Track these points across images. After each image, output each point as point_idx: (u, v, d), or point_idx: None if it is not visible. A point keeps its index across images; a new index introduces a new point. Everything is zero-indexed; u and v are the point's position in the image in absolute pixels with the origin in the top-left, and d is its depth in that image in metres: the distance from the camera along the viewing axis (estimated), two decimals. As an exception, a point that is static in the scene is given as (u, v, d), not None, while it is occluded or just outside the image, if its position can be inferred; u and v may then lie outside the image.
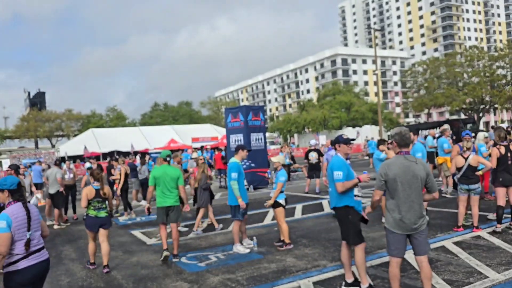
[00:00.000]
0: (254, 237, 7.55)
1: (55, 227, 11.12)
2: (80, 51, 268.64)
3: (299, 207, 11.30)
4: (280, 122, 68.68)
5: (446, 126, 12.89)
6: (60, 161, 11.35)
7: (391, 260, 4.16)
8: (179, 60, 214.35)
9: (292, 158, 19.00)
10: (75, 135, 57.44)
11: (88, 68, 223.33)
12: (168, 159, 7.32)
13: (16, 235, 3.58)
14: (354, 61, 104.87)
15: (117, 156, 16.03)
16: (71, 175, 12.17)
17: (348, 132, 51.70)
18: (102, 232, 6.65)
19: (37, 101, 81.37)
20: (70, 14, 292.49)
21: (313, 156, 14.38)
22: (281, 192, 7.25)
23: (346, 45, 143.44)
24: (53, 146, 59.41)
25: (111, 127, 60.85)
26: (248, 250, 7.17)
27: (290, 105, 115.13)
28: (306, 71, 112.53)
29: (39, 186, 15.65)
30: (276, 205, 7.21)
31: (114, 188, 13.69)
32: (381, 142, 8.81)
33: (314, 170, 14.38)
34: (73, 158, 35.50)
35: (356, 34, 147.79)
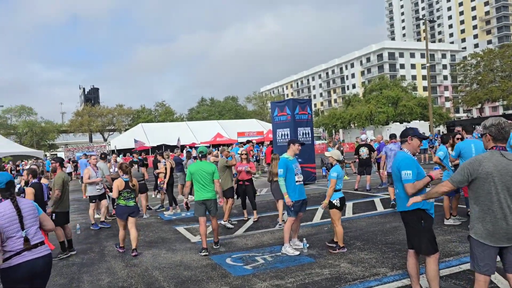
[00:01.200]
0: (304, 239, 6.99)
1: (102, 219, 11.10)
2: (132, 49, 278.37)
3: (349, 205, 10.60)
4: (325, 117, 67.37)
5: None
6: (105, 155, 11.30)
7: (478, 278, 3.41)
8: (226, 57, 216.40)
9: (342, 153, 18.21)
10: (126, 130, 59.12)
11: (140, 66, 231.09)
12: (200, 155, 7.42)
13: (6, 232, 3.53)
14: (401, 55, 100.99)
15: (157, 151, 15.94)
16: (117, 169, 12.12)
17: (395, 127, 49.73)
18: (131, 220, 7.33)
19: (91, 97, 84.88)
20: (124, 15, 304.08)
21: (363, 151, 13.59)
22: (337, 190, 6.66)
23: (393, 39, 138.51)
24: (105, 140, 61.52)
25: (159, 121, 62.13)
26: (297, 252, 6.64)
27: (335, 100, 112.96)
28: (352, 65, 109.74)
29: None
30: (330, 205, 6.63)
31: (159, 182, 13.61)
32: (446, 137, 7.97)
33: (364, 166, 13.59)
34: (123, 152, 36.36)
35: (403, 28, 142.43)
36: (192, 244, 7.87)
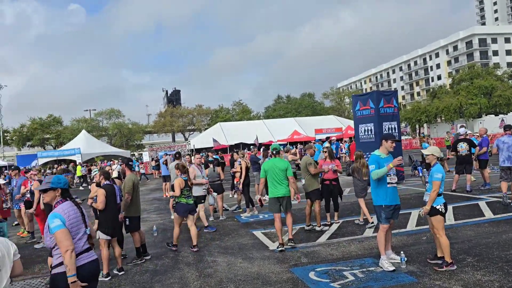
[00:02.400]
0: (402, 252, 5.92)
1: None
2: (211, 52, 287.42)
3: (449, 209, 9.20)
4: (408, 111, 63.17)
5: None
6: (179, 154, 11.02)
7: None
8: (302, 54, 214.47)
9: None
10: (205, 129, 60.63)
11: (218, 67, 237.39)
12: (274, 152, 7.59)
13: (73, 232, 3.54)
14: (494, 40, 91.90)
15: (235, 149, 15.51)
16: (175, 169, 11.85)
17: (490, 120, 45.16)
18: (190, 217, 7.77)
19: (173, 98, 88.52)
20: (204, 19, 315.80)
21: (462, 147, 11.92)
22: (439, 194, 5.54)
23: (483, 24, 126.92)
24: (186, 139, 63.65)
25: (237, 120, 62.83)
26: (392, 268, 5.63)
27: (418, 93, 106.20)
28: (437, 55, 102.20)
29: (167, 178, 16.03)
30: (433, 212, 5.52)
31: (235, 182, 13.13)
32: None
33: (463, 163, 11.91)
34: (202, 151, 37.06)
35: (495, 11, 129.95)
36: (270, 253, 7.16)
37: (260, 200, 7.63)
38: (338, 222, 8.95)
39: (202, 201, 9.50)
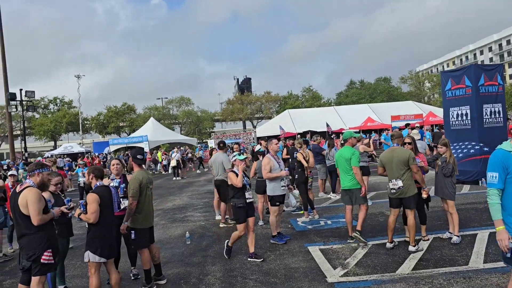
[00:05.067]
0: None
1: (221, 225, 8.99)
2: (285, 39, 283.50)
3: None
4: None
5: None
6: (224, 144, 9.11)
7: None
8: (378, 39, 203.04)
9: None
10: (272, 117, 58.90)
11: (291, 55, 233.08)
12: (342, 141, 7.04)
13: None
14: None
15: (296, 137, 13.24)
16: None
17: None
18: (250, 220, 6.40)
19: (244, 86, 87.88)
20: (278, 6, 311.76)
21: None
22: None
23: None
24: (254, 127, 62.36)
25: (306, 107, 60.32)
26: None
27: (510, 76, 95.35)
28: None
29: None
30: None
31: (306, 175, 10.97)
32: None
33: None
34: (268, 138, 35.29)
35: None
36: (327, 286, 4.97)
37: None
38: (427, 240, 6.49)
39: (277, 203, 7.22)
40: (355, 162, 6.63)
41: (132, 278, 5.81)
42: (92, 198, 4.56)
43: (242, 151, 16.74)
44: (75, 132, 63.08)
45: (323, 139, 15.53)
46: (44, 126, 58.12)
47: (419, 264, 5.47)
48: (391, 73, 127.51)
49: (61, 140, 67.88)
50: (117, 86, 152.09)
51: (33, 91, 23.69)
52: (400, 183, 6.00)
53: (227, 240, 6.64)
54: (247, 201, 6.24)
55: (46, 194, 5.06)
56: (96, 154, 38.47)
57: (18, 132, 55.19)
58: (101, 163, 27.66)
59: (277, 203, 7.20)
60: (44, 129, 58.32)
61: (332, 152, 11.69)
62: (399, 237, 6.62)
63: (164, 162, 29.50)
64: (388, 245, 6.26)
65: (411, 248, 5.98)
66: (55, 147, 57.00)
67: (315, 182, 11.22)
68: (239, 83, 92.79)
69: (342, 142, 7.12)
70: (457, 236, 6.31)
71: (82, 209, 4.57)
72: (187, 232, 8.02)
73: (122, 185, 5.64)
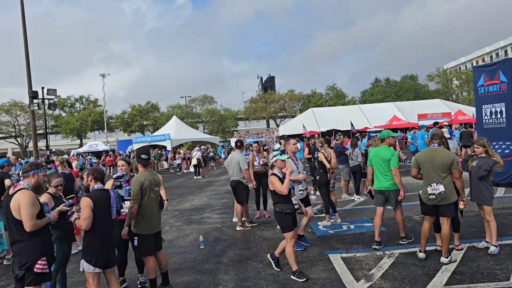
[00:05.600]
0: None
1: (238, 228, 8.56)
2: (310, 38, 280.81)
3: None
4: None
5: None
6: (241, 143, 8.68)
7: None
8: (405, 36, 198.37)
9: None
10: (295, 116, 58.27)
11: (315, 53, 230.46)
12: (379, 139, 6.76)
13: None
14: None
15: (317, 136, 12.72)
16: (262, 161, 9.41)
17: None
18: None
19: (267, 85, 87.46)
20: (303, 4, 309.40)
21: None
22: None
23: None
24: (277, 126, 61.83)
25: (330, 106, 59.41)
26: None
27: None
28: None
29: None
30: None
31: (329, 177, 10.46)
32: None
33: None
34: (293, 138, 34.74)
35: None
36: (349, 303, 4.48)
37: (370, 191, 6.70)
38: (461, 249, 5.89)
39: (298, 211, 6.65)
40: (395, 164, 6.33)
41: (139, 286, 5.44)
42: (84, 203, 4.20)
43: (267, 149, 16.27)
44: (100, 131, 64.01)
45: (347, 138, 14.93)
46: (70, 124, 59.16)
47: (453, 278, 4.90)
48: (418, 71, 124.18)
49: (88, 138, 69.04)
50: (142, 85, 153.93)
51: (55, 89, 23.86)
52: (441, 188, 5.36)
53: (272, 251, 5.99)
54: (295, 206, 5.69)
55: (45, 197, 4.75)
56: (120, 152, 38.78)
57: (43, 131, 56.40)
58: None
59: (298, 211, 6.71)
60: (70, 128, 59.38)
61: (355, 152, 11.13)
62: (428, 246, 6.05)
63: (178, 161, 29.39)
64: (421, 255, 5.69)
65: (443, 259, 5.40)
66: (81, 145, 57.94)
67: (337, 183, 10.68)
68: (263, 81, 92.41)
69: (380, 140, 6.80)
70: (495, 246, 5.69)
71: (79, 214, 4.22)
72: (201, 236, 7.62)
73: (128, 187, 5.29)
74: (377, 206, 6.59)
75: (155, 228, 5.04)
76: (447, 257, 5.40)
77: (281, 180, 5.38)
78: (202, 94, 71.78)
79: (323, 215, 8.85)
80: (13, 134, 62.22)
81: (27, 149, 60.94)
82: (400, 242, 6.53)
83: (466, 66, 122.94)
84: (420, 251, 5.74)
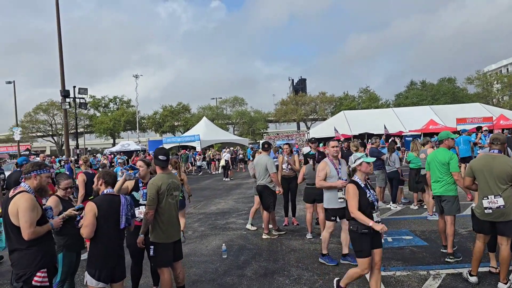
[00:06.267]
0: None
1: (264, 236, 7.99)
2: (344, 40, 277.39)
3: None
4: None
5: None
6: (269, 145, 8.11)
7: None
8: (442, 38, 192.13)
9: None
10: (326, 118, 57.22)
11: (349, 55, 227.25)
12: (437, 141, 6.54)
13: None
14: None
15: (351, 139, 12.01)
16: (289, 164, 8.80)
17: None
18: None
19: (299, 87, 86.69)
20: (337, 6, 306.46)
21: None
22: None
23: None
24: (308, 128, 60.91)
25: (363, 108, 58.01)
26: None
27: None
28: None
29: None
30: None
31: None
32: None
33: None
34: (323, 141, 33.87)
35: None
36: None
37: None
38: (520, 272, 5.10)
39: (333, 218, 6.00)
40: (455, 167, 5.88)
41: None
42: (87, 208, 3.75)
43: (295, 152, 15.71)
44: (132, 131, 64.99)
45: (382, 143, 14.10)
46: (104, 124, 60.33)
47: None
48: (456, 74, 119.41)
49: (122, 138, 70.27)
50: (175, 87, 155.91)
51: (86, 88, 24.08)
52: (500, 201, 4.60)
53: (337, 279, 4.85)
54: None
55: (52, 200, 4.34)
56: (150, 152, 39.01)
57: (79, 130, 57.65)
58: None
59: (332, 218, 6.04)
60: (104, 127, 60.55)
61: (393, 157, 10.37)
62: (481, 266, 5.28)
63: (198, 163, 29.26)
64: (473, 279, 4.93)
65: (501, 285, 4.64)
66: (114, 145, 58.95)
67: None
68: (294, 84, 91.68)
69: (438, 142, 6.49)
70: None
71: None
72: (223, 244, 7.10)
73: (144, 190, 4.83)
74: (438, 214, 6.29)
75: (173, 236, 4.54)
76: (506, 283, 4.65)
77: (362, 190, 4.34)
78: (233, 95, 71.76)
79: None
80: (50, 133, 64.08)
81: (62, 148, 62.63)
82: (446, 259, 5.80)
83: (507, 69, 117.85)
84: (471, 274, 4.98)
